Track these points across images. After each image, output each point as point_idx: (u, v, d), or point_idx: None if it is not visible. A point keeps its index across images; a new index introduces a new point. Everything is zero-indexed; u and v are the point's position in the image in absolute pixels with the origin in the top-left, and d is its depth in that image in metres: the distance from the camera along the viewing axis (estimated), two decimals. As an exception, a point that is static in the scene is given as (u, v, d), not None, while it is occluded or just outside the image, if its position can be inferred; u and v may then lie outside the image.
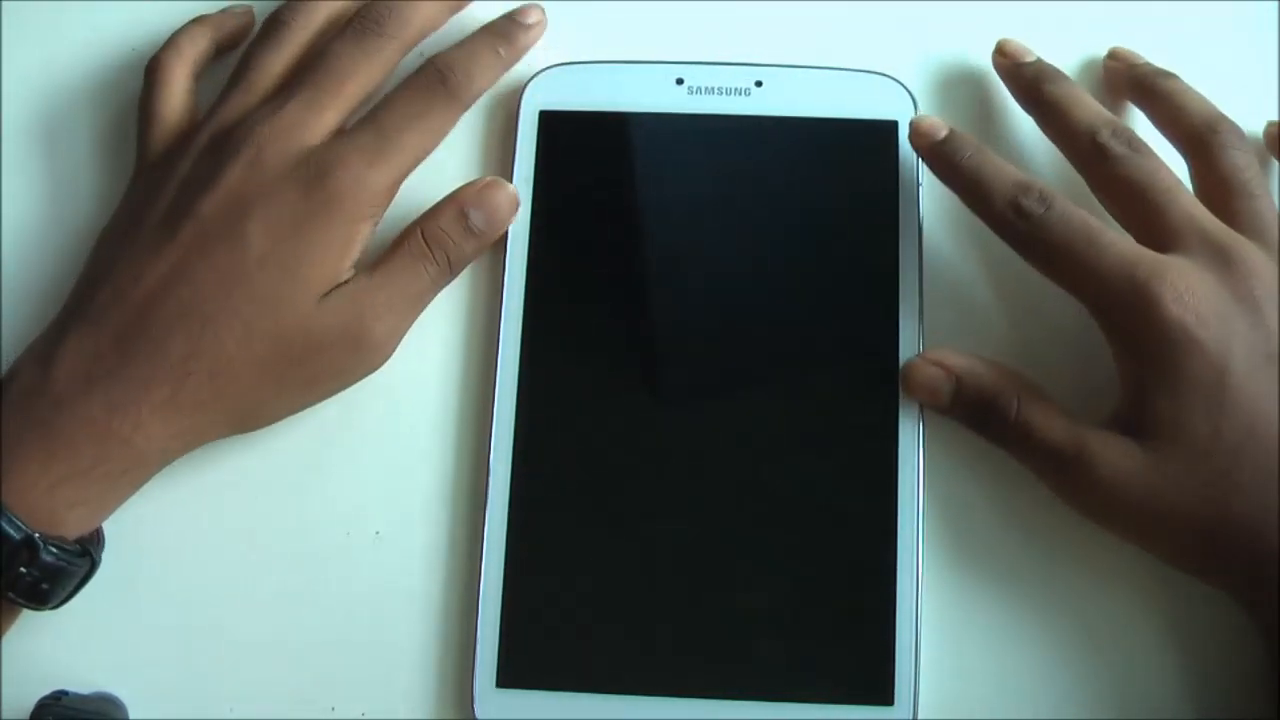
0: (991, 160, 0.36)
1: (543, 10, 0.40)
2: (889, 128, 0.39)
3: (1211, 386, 0.33)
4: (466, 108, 0.38)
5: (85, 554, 0.34)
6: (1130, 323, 0.34)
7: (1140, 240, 0.36)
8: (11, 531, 0.32)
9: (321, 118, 0.37)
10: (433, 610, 0.36)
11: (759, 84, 0.40)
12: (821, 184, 0.39)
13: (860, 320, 0.37)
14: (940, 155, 0.37)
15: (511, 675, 0.35)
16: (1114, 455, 0.33)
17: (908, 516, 0.36)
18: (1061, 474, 0.34)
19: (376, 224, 0.37)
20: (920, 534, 0.36)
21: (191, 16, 0.41)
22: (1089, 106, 0.38)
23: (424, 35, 0.39)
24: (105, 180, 0.40)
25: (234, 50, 0.41)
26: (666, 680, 0.35)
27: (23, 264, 0.40)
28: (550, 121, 0.39)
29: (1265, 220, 0.36)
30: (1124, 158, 0.36)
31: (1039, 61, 0.39)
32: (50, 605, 0.33)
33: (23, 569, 0.32)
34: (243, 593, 0.37)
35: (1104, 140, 0.36)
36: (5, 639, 0.34)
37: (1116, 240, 0.35)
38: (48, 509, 0.32)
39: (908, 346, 0.37)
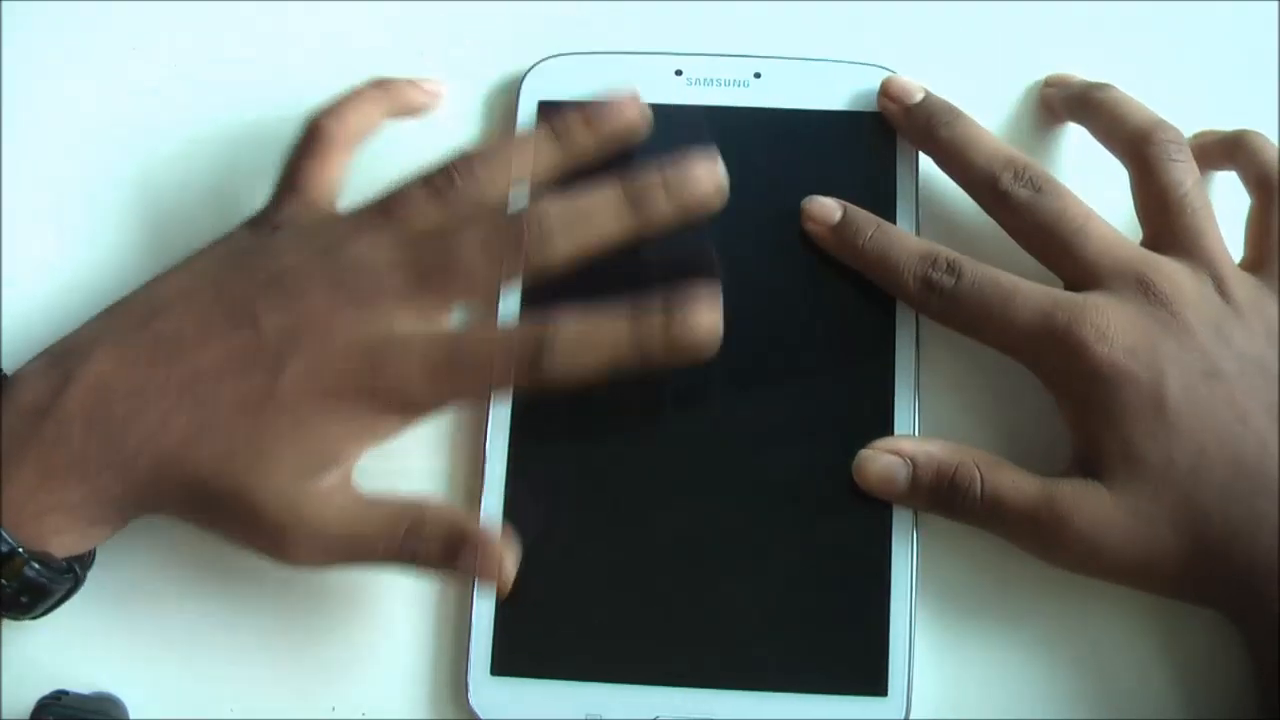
0: (894, 237, 0.36)
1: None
2: (887, 119, 0.38)
3: (1152, 415, 0.33)
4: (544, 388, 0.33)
5: (70, 572, 0.33)
6: (1062, 370, 0.34)
7: (1063, 278, 0.35)
8: None
9: (418, 310, 0.34)
10: (431, 604, 0.36)
11: (758, 75, 0.39)
12: (820, 175, 0.38)
13: (858, 311, 0.37)
14: (840, 238, 0.37)
15: (506, 663, 0.35)
16: (1086, 503, 0.33)
17: (903, 509, 0.35)
18: (1039, 534, 0.34)
19: (405, 429, 0.34)
20: (915, 527, 0.35)
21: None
22: (986, 148, 0.36)
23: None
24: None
25: (414, 116, 0.39)
26: (660, 670, 0.35)
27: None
28: (549, 113, 0.39)
29: (1200, 237, 0.35)
30: (1028, 202, 0.35)
31: (928, 100, 0.38)
32: (30, 617, 0.33)
33: (3, 581, 0.32)
34: (243, 592, 0.37)
35: (1005, 187, 0.36)
36: (5, 639, 0.34)
37: (1031, 293, 0.34)
38: (35, 528, 0.32)
39: (904, 337, 0.37)
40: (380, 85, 0.39)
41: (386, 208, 0.35)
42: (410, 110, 0.39)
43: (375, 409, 0.34)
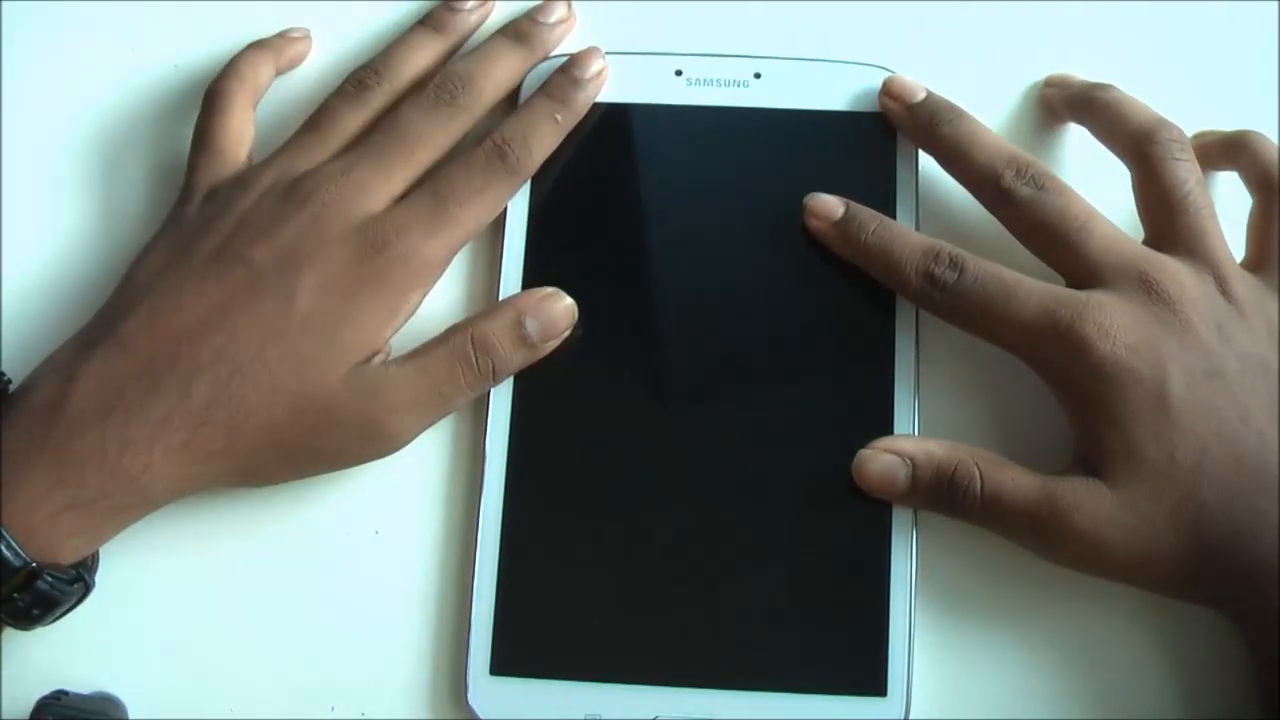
0: (896, 232, 0.36)
1: (603, 57, 0.39)
2: (887, 120, 0.38)
3: (1155, 413, 0.33)
4: (525, 180, 0.38)
5: (79, 580, 0.33)
6: (1064, 368, 0.34)
7: (1066, 277, 0.35)
8: (10, 557, 0.31)
9: (388, 184, 0.36)
10: (431, 604, 0.36)
11: (758, 76, 0.39)
12: (820, 176, 0.38)
13: (858, 311, 0.37)
14: (842, 234, 0.37)
15: (505, 663, 0.35)
16: (1087, 501, 0.33)
17: (902, 509, 0.36)
18: (1040, 532, 0.34)
19: (425, 294, 0.37)
20: (915, 527, 0.35)
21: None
22: (988, 146, 0.37)
23: (494, 103, 0.39)
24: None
25: (291, 72, 0.41)
26: (660, 670, 0.35)
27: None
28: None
29: (1203, 236, 0.35)
30: (1030, 200, 0.35)
31: (930, 99, 0.38)
32: (39, 626, 0.33)
33: (15, 594, 0.32)
34: (243, 593, 0.37)
35: (1008, 185, 0.36)
36: (5, 638, 0.34)
37: (1034, 290, 0.34)
38: (47, 534, 0.32)
39: (904, 337, 0.37)
40: (260, 44, 0.40)
41: (314, 124, 0.38)
42: (293, 62, 0.41)
43: (392, 290, 0.35)
